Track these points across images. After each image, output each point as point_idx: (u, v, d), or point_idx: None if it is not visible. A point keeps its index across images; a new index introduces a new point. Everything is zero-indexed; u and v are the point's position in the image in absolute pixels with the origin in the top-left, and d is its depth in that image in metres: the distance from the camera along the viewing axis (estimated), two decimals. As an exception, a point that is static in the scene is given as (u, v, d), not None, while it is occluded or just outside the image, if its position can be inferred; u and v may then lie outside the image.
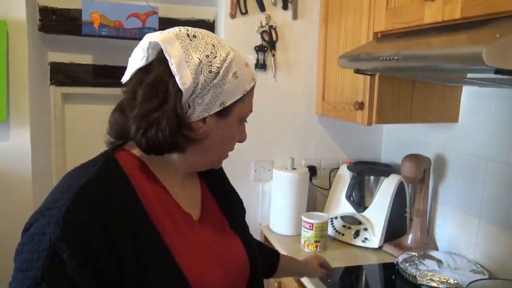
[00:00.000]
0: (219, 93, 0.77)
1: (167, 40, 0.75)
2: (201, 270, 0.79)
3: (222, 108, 0.79)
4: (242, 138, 0.89)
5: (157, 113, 0.73)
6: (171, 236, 0.76)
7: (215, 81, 0.76)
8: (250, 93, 0.84)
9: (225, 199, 0.97)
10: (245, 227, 0.98)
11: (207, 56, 0.76)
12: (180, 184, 0.85)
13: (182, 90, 0.74)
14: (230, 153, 0.91)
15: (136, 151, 0.81)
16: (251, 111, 0.87)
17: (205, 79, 0.75)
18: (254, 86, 0.85)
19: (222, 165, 0.95)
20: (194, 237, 0.82)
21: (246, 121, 0.89)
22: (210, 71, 0.76)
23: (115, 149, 0.82)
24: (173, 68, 0.74)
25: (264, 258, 1.02)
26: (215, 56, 0.77)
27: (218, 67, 0.76)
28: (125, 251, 0.68)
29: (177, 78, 0.74)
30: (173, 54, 0.74)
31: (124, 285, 0.68)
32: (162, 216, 0.77)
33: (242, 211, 1.04)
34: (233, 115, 0.82)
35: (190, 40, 0.77)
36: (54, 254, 0.64)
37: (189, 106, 0.76)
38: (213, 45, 0.78)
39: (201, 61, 0.75)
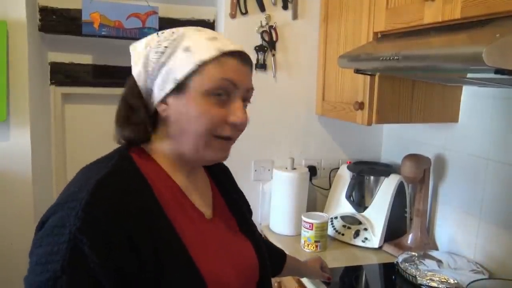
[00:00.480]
0: (169, 70, 0.77)
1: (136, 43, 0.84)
2: (216, 269, 0.78)
3: (176, 84, 0.77)
4: (233, 118, 0.78)
5: (131, 104, 0.82)
6: (186, 233, 0.76)
7: (162, 59, 0.78)
8: (211, 64, 0.76)
9: (233, 199, 0.96)
10: (254, 228, 0.98)
11: (157, 41, 0.80)
12: (189, 181, 0.85)
13: (134, 76, 0.81)
14: (230, 153, 0.89)
15: (145, 148, 0.84)
16: (233, 83, 0.77)
17: (153, 60, 0.78)
18: (219, 56, 0.76)
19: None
20: (208, 235, 0.82)
21: (248, 102, 0.84)
22: (157, 52, 0.78)
23: (128, 146, 0.84)
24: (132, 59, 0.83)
25: (270, 257, 1.01)
26: (164, 37, 0.80)
27: (165, 46, 0.78)
28: (143, 246, 0.68)
29: (132, 69, 0.82)
30: (135, 52, 0.83)
31: (142, 281, 0.67)
32: (177, 212, 0.78)
33: (249, 212, 1.03)
34: (192, 90, 0.76)
35: (157, 35, 0.81)
36: (74, 246, 0.63)
37: (152, 90, 0.80)
38: (172, 31, 0.81)
39: (148, 45, 0.80)
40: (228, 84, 0.77)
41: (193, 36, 0.78)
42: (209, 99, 0.76)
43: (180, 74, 0.76)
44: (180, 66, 0.76)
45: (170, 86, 0.77)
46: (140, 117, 0.80)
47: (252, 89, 0.83)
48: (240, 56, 0.80)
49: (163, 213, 0.74)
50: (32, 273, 0.66)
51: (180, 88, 0.77)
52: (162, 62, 0.78)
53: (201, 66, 0.76)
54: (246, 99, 0.82)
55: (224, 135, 0.79)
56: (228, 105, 0.78)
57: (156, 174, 0.80)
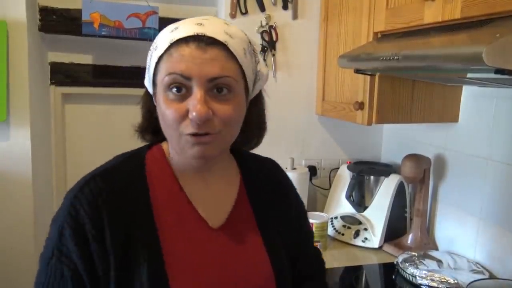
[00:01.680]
0: (148, 69, 0.78)
1: None
2: (188, 280, 0.75)
3: (151, 83, 0.78)
4: (189, 113, 0.70)
5: (147, 107, 0.85)
6: (172, 238, 0.76)
7: (148, 58, 0.78)
8: (163, 59, 0.72)
9: (264, 212, 0.86)
10: (280, 247, 0.85)
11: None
12: (200, 186, 0.82)
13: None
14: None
15: (165, 147, 0.84)
16: (182, 75, 0.70)
17: (147, 61, 0.79)
18: (169, 48, 0.71)
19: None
20: (201, 244, 0.78)
21: (227, 92, 0.73)
22: (149, 52, 0.78)
23: (152, 144, 0.85)
24: None
25: None
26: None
27: (152, 46, 0.78)
28: (113, 245, 0.71)
29: None
30: None
31: (111, 278, 0.71)
32: (168, 216, 0.77)
33: (291, 230, 0.91)
34: (157, 88, 0.74)
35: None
36: (61, 234, 0.72)
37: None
38: None
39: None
40: (177, 77, 0.70)
41: (164, 30, 0.76)
42: (168, 95, 0.72)
43: (150, 73, 0.77)
44: (150, 65, 0.77)
45: (149, 85, 0.79)
46: (154, 119, 0.80)
47: (219, 77, 0.70)
48: (197, 41, 0.70)
49: (150, 215, 0.75)
50: (41, 253, 0.75)
51: (153, 87, 0.77)
52: (147, 62, 0.79)
53: (158, 63, 0.74)
54: (215, 89, 0.72)
55: (186, 132, 0.71)
56: (190, 99, 0.71)
57: (161, 176, 0.80)
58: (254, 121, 0.86)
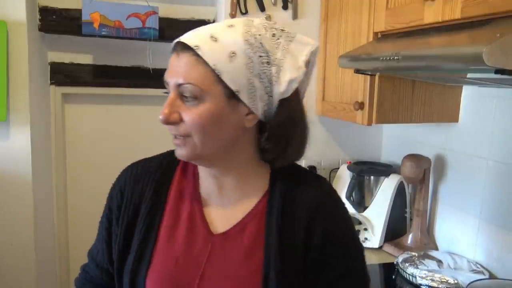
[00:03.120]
0: None
1: None
2: (162, 275, 0.79)
3: None
4: None
5: None
6: (170, 232, 0.81)
7: None
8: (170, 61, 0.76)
9: (280, 236, 0.78)
10: (284, 282, 0.77)
11: None
12: (218, 190, 0.82)
13: None
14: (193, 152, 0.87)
15: None
16: (166, 81, 0.75)
17: None
18: (173, 51, 0.75)
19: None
20: (194, 245, 0.79)
21: (192, 99, 0.73)
22: None
23: None
24: None
25: None
26: None
27: None
28: (126, 212, 0.84)
29: None
30: None
31: (120, 236, 0.84)
32: (177, 212, 0.83)
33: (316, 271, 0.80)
34: None
35: None
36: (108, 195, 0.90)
37: None
38: None
39: None
40: (165, 83, 0.76)
41: None
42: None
43: None
44: None
45: None
46: None
47: (181, 84, 0.72)
48: (177, 47, 0.74)
49: (163, 202, 0.83)
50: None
51: None
52: None
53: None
54: (182, 95, 0.73)
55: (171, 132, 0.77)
56: None
57: (188, 173, 0.86)
58: (274, 130, 0.78)
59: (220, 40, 0.72)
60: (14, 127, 1.71)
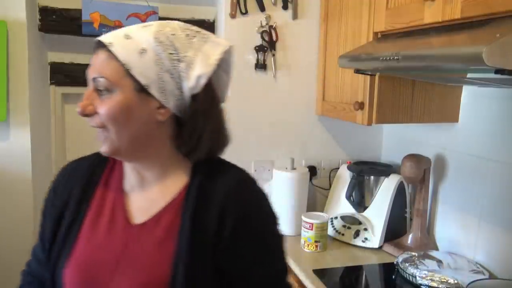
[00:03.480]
0: None
1: None
2: (79, 260, 0.83)
3: None
4: None
5: None
6: (94, 221, 0.86)
7: None
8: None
9: (194, 227, 0.80)
10: (197, 269, 0.79)
11: None
12: (139, 182, 0.87)
13: None
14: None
15: None
16: (90, 75, 0.82)
17: None
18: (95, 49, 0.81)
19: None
20: (114, 233, 0.84)
21: (106, 92, 0.79)
22: None
23: None
24: None
25: None
26: None
27: None
28: (54, 211, 0.89)
29: None
30: None
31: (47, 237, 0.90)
32: (103, 203, 0.87)
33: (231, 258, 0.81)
34: None
35: None
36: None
37: None
38: None
39: None
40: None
41: None
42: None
43: None
44: None
45: None
46: None
47: (95, 77, 0.79)
48: (95, 45, 0.81)
49: (91, 194, 0.88)
50: None
51: None
52: None
53: None
54: (97, 88, 0.80)
55: None
56: None
57: (117, 170, 0.90)
58: (186, 124, 0.82)
59: (132, 37, 0.79)
60: (14, 127, 1.71)
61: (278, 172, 1.88)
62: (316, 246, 1.70)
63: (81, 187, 0.89)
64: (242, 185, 0.86)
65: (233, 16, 1.87)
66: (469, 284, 1.29)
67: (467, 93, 1.59)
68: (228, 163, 0.91)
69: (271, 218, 0.87)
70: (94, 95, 0.80)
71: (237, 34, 1.88)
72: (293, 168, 1.89)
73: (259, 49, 1.90)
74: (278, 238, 0.88)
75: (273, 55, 1.92)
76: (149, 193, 0.86)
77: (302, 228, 1.72)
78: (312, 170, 2.01)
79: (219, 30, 1.97)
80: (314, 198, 2.06)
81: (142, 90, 0.78)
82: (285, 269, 0.88)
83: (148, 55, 0.78)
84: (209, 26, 2.05)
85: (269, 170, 1.98)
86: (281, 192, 1.87)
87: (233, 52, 0.88)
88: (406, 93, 1.57)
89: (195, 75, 0.80)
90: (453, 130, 1.64)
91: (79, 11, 1.82)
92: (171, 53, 0.79)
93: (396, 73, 1.50)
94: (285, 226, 1.88)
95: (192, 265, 0.78)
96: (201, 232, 0.80)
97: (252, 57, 1.90)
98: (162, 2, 1.95)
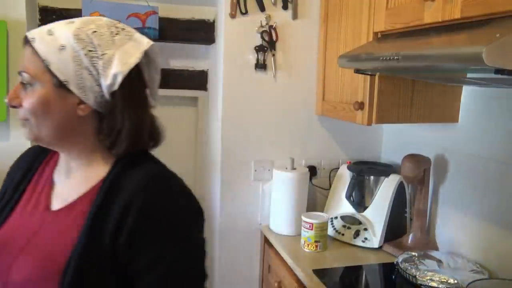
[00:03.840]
0: None
1: None
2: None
3: None
4: None
5: None
6: (23, 207, 0.89)
7: None
8: None
9: (98, 219, 0.79)
10: (95, 260, 0.78)
11: None
12: (66, 172, 0.89)
13: None
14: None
15: None
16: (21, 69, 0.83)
17: None
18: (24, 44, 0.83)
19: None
20: (32, 217, 0.87)
21: (29, 85, 0.82)
22: None
23: None
24: None
25: None
26: None
27: None
28: (2, 190, 0.96)
29: None
30: None
31: None
32: (34, 190, 0.91)
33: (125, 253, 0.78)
34: None
35: None
36: None
37: None
38: None
39: None
40: None
41: None
42: None
43: None
44: None
45: None
46: None
47: (21, 72, 0.82)
48: (24, 40, 0.83)
49: (27, 181, 0.93)
50: None
51: None
52: None
53: None
54: (22, 82, 0.82)
55: None
56: None
57: (54, 159, 0.94)
58: (105, 120, 0.84)
59: (54, 34, 0.81)
60: (14, 127, 1.71)
61: (278, 172, 1.88)
62: (316, 246, 1.70)
63: (22, 172, 0.94)
64: (153, 181, 0.82)
65: (233, 16, 1.87)
66: (469, 284, 1.29)
67: (467, 93, 1.59)
68: (152, 158, 0.90)
69: (181, 219, 0.82)
70: (20, 89, 0.83)
71: (237, 34, 1.88)
72: (293, 168, 1.89)
73: (259, 49, 1.90)
74: (189, 241, 0.82)
75: (273, 55, 1.92)
76: (72, 182, 0.88)
77: (302, 228, 1.72)
78: (312, 170, 2.01)
79: (219, 30, 1.97)
80: (314, 198, 2.06)
81: (61, 86, 0.80)
82: (197, 276, 0.82)
83: (67, 52, 0.79)
84: (209, 26, 2.06)
85: (269, 170, 1.98)
86: (281, 192, 1.87)
87: (157, 51, 0.88)
88: (406, 93, 1.57)
89: (112, 73, 0.81)
90: (453, 130, 1.64)
91: (79, 11, 1.82)
92: (90, 50, 0.80)
93: (396, 73, 1.50)
94: (285, 226, 1.88)
95: (85, 259, 0.77)
96: (103, 226, 0.78)
97: (252, 57, 1.90)
98: (162, 2, 1.95)
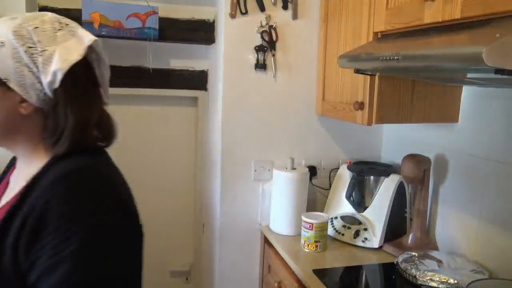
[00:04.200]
0: None
1: None
2: None
3: None
4: None
5: None
6: None
7: None
8: None
9: (14, 218, 0.75)
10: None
11: None
12: (17, 172, 0.90)
13: None
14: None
15: None
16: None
17: None
18: None
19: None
20: None
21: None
22: None
23: None
24: None
25: None
26: None
27: None
28: None
29: None
30: None
31: None
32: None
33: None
34: None
35: None
36: None
37: None
38: None
39: None
40: None
41: None
42: None
43: None
44: None
45: None
46: None
47: None
48: None
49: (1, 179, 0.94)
50: None
51: None
52: None
53: None
54: None
55: None
56: None
57: None
58: (50, 120, 0.81)
59: None
60: None
61: (278, 172, 1.88)
62: (316, 246, 1.70)
63: (1, 174, 0.97)
64: (63, 178, 0.76)
65: (233, 16, 1.87)
66: (469, 284, 1.29)
67: (467, 93, 1.59)
68: (80, 155, 0.82)
69: (87, 222, 0.73)
70: None
71: (237, 34, 1.88)
72: (293, 168, 1.89)
73: (259, 49, 1.90)
74: (88, 248, 0.71)
75: (273, 55, 1.92)
76: (18, 182, 0.85)
77: (302, 228, 1.72)
78: (312, 170, 2.01)
79: (219, 30, 1.97)
80: (314, 198, 2.06)
81: (1, 83, 0.78)
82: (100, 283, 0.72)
83: (6, 48, 0.77)
84: (209, 26, 2.06)
85: (269, 170, 1.98)
86: (281, 192, 1.87)
87: (101, 46, 0.87)
88: (406, 93, 1.57)
89: (52, 70, 0.78)
90: (453, 130, 1.64)
91: (79, 11, 1.82)
92: (30, 47, 0.78)
93: (396, 73, 1.50)
94: (285, 226, 1.88)
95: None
96: (12, 226, 0.74)
97: (252, 57, 1.90)
98: (162, 2, 1.95)
